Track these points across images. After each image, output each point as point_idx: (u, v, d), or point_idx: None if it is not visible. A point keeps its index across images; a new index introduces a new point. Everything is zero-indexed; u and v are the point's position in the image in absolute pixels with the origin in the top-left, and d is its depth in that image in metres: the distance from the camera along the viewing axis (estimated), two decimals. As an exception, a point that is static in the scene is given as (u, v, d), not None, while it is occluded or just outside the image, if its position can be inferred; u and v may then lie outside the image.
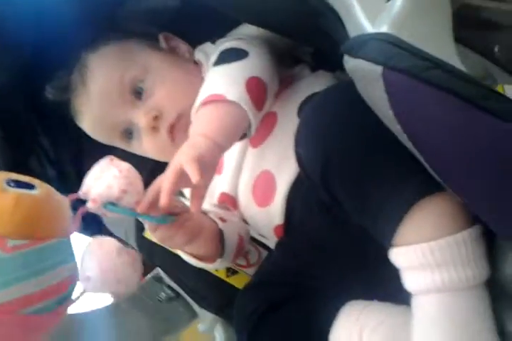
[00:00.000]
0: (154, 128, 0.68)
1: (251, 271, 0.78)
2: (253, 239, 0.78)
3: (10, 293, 0.40)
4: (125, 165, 0.52)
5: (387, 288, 0.52)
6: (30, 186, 0.45)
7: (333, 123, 0.48)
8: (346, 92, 0.47)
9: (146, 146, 0.71)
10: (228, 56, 0.66)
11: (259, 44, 0.69)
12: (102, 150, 0.84)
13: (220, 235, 0.66)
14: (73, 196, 0.51)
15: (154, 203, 0.52)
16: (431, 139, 0.37)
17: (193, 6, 0.75)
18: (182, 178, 0.52)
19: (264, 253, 0.78)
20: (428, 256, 0.44)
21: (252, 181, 0.66)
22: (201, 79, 0.72)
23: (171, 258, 0.76)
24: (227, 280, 0.77)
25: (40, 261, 0.42)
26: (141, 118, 0.68)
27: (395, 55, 0.37)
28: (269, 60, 0.66)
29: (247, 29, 0.73)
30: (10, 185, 0.43)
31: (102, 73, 0.69)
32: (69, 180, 0.85)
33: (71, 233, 0.47)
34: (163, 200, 0.50)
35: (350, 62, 0.41)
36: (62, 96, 0.73)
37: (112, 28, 0.74)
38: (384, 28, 0.40)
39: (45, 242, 0.42)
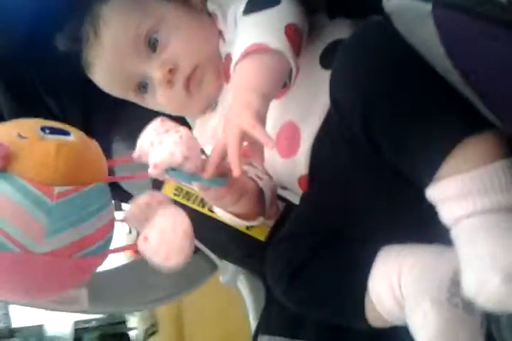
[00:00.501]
0: (169, 82, 0.67)
1: (270, 222, 0.79)
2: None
3: (64, 238, 0.41)
4: (183, 131, 0.51)
5: (421, 229, 0.54)
6: (65, 132, 0.45)
7: (373, 64, 0.48)
8: (383, 32, 0.47)
9: (161, 100, 0.70)
10: (259, 3, 0.63)
11: None
12: (111, 107, 0.85)
13: (261, 193, 0.67)
14: (125, 159, 0.51)
15: (214, 167, 0.52)
16: (484, 73, 0.37)
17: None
18: (245, 140, 0.53)
19: (282, 205, 0.80)
20: (468, 183, 0.45)
21: (275, 132, 0.65)
22: (216, 32, 0.71)
23: (191, 214, 0.77)
24: (248, 232, 0.79)
25: (86, 205, 0.43)
26: (155, 71, 0.67)
27: (443, -9, 0.36)
28: (300, 6, 0.64)
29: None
30: (45, 132, 0.44)
31: (116, 24, 0.68)
32: None
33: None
34: (236, 170, 0.51)
35: (393, 2, 0.40)
36: (73, 47, 0.71)
37: None
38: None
39: (87, 187, 0.43)
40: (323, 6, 0.74)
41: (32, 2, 0.69)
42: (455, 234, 0.47)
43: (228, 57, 0.70)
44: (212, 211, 0.78)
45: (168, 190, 0.82)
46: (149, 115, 0.75)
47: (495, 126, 0.44)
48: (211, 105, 0.73)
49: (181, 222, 0.47)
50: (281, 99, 0.65)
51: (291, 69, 0.60)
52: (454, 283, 0.47)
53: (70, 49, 0.71)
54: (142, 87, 0.71)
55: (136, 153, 0.52)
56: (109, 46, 0.68)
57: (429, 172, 0.47)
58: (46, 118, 0.84)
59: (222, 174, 0.55)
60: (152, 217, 0.49)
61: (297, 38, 0.61)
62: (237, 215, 0.66)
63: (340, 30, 0.66)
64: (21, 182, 0.40)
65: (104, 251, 0.46)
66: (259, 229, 0.79)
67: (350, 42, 0.52)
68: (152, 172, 0.50)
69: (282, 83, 0.61)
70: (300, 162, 0.65)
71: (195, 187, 0.61)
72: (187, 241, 0.47)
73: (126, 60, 0.68)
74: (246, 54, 0.59)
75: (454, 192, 0.46)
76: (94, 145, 0.48)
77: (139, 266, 0.85)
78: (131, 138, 0.59)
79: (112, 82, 0.72)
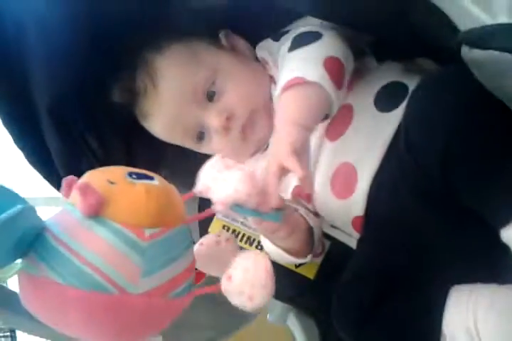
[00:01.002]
0: (227, 129, 0.69)
1: (318, 259, 0.80)
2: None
3: (157, 278, 0.43)
4: (246, 168, 0.53)
5: (488, 269, 0.54)
6: (150, 177, 0.48)
7: (456, 107, 0.50)
8: (463, 79, 0.49)
9: (218, 146, 0.72)
10: (302, 40, 0.66)
11: (330, 28, 0.69)
12: (155, 150, 0.86)
13: (311, 231, 0.68)
14: (189, 195, 0.52)
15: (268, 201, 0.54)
16: None
17: (244, 2, 0.75)
18: (284, 173, 0.54)
19: (327, 243, 0.80)
20: None
21: (330, 173, 0.67)
22: (268, 77, 0.73)
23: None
24: (297, 270, 0.79)
25: (174, 246, 0.46)
26: (213, 119, 0.69)
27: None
28: (343, 41, 0.67)
29: (308, 22, 0.72)
30: (133, 177, 0.46)
31: (173, 74, 0.70)
32: None
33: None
34: (275, 202, 0.53)
35: (476, 53, 0.42)
36: (130, 99, 0.73)
37: (169, 28, 0.74)
38: (504, 18, 0.41)
39: (174, 228, 0.45)
40: (367, 48, 0.77)
41: (85, 49, 0.70)
42: None
43: None
44: (260, 249, 0.79)
45: (216, 228, 0.82)
46: (193, 154, 0.78)
47: None
48: (262, 147, 0.75)
49: (263, 262, 0.48)
50: (337, 141, 0.66)
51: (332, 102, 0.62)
52: None
53: (126, 100, 0.73)
54: (200, 134, 0.72)
55: (198, 189, 0.54)
56: (168, 97, 0.70)
57: (508, 216, 0.48)
58: (89, 159, 0.87)
59: (279, 209, 0.56)
60: (220, 256, 0.51)
61: (338, 70, 0.63)
62: (287, 251, 0.67)
63: (391, 73, 0.68)
64: (115, 225, 0.42)
65: (190, 291, 0.47)
66: (307, 267, 0.79)
67: (427, 85, 0.54)
68: (217, 207, 0.52)
69: (324, 113, 0.63)
70: (356, 203, 0.65)
71: (249, 221, 0.63)
72: (270, 281, 0.48)
73: (184, 111, 0.70)
74: (286, 88, 0.61)
75: None
76: (174, 189, 0.50)
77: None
78: (176, 177, 0.63)
79: (170, 131, 0.74)
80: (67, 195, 0.46)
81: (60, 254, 0.42)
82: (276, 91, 0.63)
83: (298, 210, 0.69)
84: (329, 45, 0.64)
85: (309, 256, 0.69)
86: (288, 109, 0.60)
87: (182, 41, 0.72)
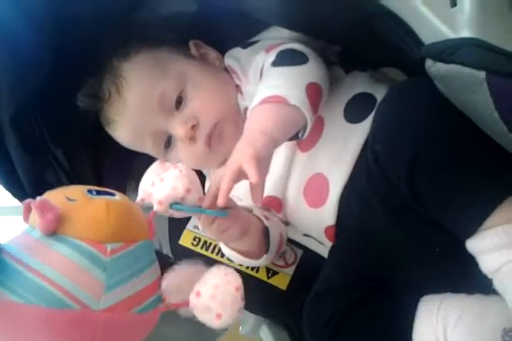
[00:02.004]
0: (192, 138, 0.68)
1: (290, 270, 0.79)
2: (289, 240, 0.79)
3: (120, 292, 0.42)
4: (182, 166, 0.53)
5: (457, 279, 0.55)
6: (110, 193, 0.48)
7: (421, 119, 0.51)
8: (427, 91, 0.50)
9: (183, 155, 0.71)
10: (289, 58, 0.65)
11: (311, 50, 0.68)
12: (121, 160, 0.85)
13: (266, 232, 0.67)
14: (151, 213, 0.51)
15: (215, 199, 0.53)
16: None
17: (212, 10, 0.75)
18: (240, 176, 0.54)
19: (300, 252, 0.80)
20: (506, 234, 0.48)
21: (303, 183, 0.67)
22: (234, 86, 0.73)
23: (209, 264, 0.77)
24: (269, 281, 0.78)
25: (137, 261, 0.45)
26: (178, 128, 0.68)
27: (495, 59, 0.39)
28: (324, 66, 0.67)
29: (279, 32, 0.73)
30: (92, 194, 0.46)
31: (140, 83, 0.68)
32: None
33: (151, 235, 0.49)
34: (221, 199, 0.52)
35: (440, 67, 0.42)
36: (94, 105, 0.71)
37: (138, 36, 0.72)
38: (466, 33, 0.42)
39: (136, 243, 0.45)
40: (334, 58, 0.77)
41: (50, 55, 0.68)
42: (497, 281, 0.49)
43: (246, 110, 0.72)
44: (231, 261, 0.78)
45: (186, 240, 0.81)
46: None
47: None
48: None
49: (234, 280, 0.47)
50: (310, 151, 0.66)
51: (305, 124, 0.62)
52: (506, 332, 0.47)
53: (90, 106, 0.72)
54: (166, 143, 0.71)
55: (139, 198, 0.53)
56: (133, 105, 0.68)
57: (471, 227, 0.49)
58: (55, 171, 0.85)
59: (225, 207, 0.56)
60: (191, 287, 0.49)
61: (317, 96, 0.63)
62: (242, 253, 0.67)
63: (358, 84, 0.69)
64: (76, 241, 0.42)
65: (156, 307, 0.46)
66: (279, 277, 0.78)
67: (393, 97, 0.55)
68: (158, 208, 0.51)
69: (293, 133, 0.62)
70: (328, 212, 0.66)
71: (199, 225, 0.62)
72: (239, 299, 0.47)
73: (149, 118, 0.69)
74: (265, 101, 0.60)
75: (492, 242, 0.49)
76: (136, 205, 0.50)
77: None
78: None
79: (133, 138, 0.73)
80: (25, 218, 0.45)
81: (20, 274, 0.41)
82: (253, 102, 0.62)
83: (252, 211, 0.69)
84: (314, 70, 0.64)
85: (264, 256, 0.67)
86: (261, 119, 0.60)
87: (150, 49, 0.71)
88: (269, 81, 0.63)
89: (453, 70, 0.41)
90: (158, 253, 0.84)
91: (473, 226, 0.50)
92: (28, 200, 0.44)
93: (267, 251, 0.68)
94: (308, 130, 0.62)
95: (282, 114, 0.60)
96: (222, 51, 0.77)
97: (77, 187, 0.47)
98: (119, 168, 0.85)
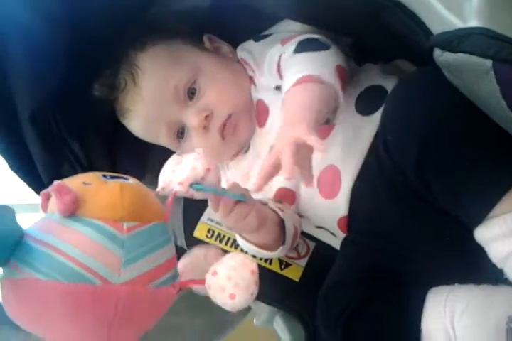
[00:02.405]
0: (205, 128, 0.70)
1: (303, 261, 0.80)
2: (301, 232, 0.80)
3: (138, 267, 0.44)
4: (200, 152, 0.54)
5: (467, 269, 0.55)
6: (124, 178, 0.50)
7: (430, 108, 0.51)
8: (436, 81, 0.50)
9: (196, 145, 0.72)
10: (311, 45, 0.67)
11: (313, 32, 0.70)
12: (136, 153, 0.86)
13: (282, 224, 0.68)
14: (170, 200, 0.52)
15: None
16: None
17: (225, 4, 0.76)
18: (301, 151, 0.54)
19: (312, 245, 0.81)
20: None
21: (317, 174, 0.67)
22: (247, 78, 0.74)
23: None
24: (282, 272, 0.79)
25: (152, 239, 0.47)
26: (192, 118, 0.70)
27: (501, 48, 0.39)
28: (344, 55, 0.68)
29: (290, 25, 0.73)
30: (107, 178, 0.48)
31: (155, 73, 0.70)
32: None
33: (167, 217, 0.50)
34: (289, 170, 0.52)
35: (448, 56, 0.42)
36: (110, 94, 0.73)
37: (154, 29, 0.74)
38: (473, 22, 0.42)
39: (151, 223, 0.47)
40: (345, 49, 0.77)
41: (67, 52, 0.69)
42: (509, 268, 0.50)
43: (260, 102, 0.73)
44: (246, 252, 0.79)
45: (201, 232, 0.82)
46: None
47: None
48: (243, 149, 0.75)
49: (251, 264, 0.48)
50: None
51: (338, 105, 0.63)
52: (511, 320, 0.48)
53: (106, 96, 0.74)
54: (180, 133, 0.73)
55: (159, 187, 0.54)
56: (148, 95, 0.70)
57: (480, 214, 0.50)
58: (72, 165, 0.86)
59: (243, 193, 0.58)
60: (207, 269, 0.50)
61: (344, 78, 0.64)
62: (259, 245, 0.68)
63: (370, 76, 0.69)
64: (93, 221, 0.44)
65: (173, 282, 0.48)
66: (292, 269, 0.79)
67: (402, 87, 0.56)
68: (179, 189, 0.52)
69: (329, 113, 0.63)
70: (341, 203, 0.66)
71: (217, 214, 0.62)
72: (254, 283, 0.48)
73: (164, 108, 0.70)
74: (300, 82, 0.61)
75: (500, 230, 0.49)
76: (149, 189, 0.52)
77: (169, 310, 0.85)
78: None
79: (148, 128, 0.74)
80: (44, 207, 0.46)
81: (41, 253, 0.43)
82: (283, 87, 0.63)
83: (267, 204, 0.69)
84: (337, 55, 0.66)
85: (280, 248, 0.68)
86: (302, 98, 0.60)
87: (166, 41, 0.73)
88: (296, 66, 0.64)
89: (461, 59, 0.41)
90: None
91: (481, 214, 0.50)
92: (46, 191, 0.46)
93: (283, 242, 0.68)
94: (339, 110, 0.63)
95: (319, 93, 0.60)
96: (235, 45, 0.78)
97: (93, 173, 0.50)
98: (134, 161, 0.86)
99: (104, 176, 0.48)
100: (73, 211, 0.44)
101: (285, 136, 0.55)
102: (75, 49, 0.69)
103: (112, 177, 0.48)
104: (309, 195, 0.69)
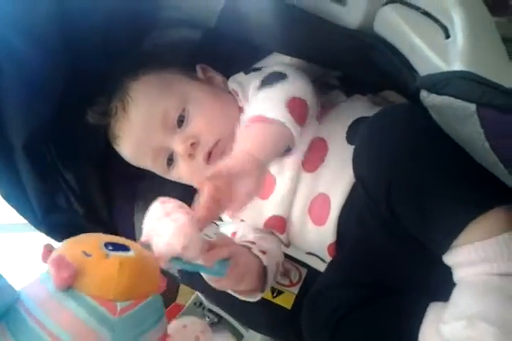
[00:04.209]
0: (191, 155, 0.71)
1: (295, 289, 0.80)
2: (293, 259, 0.81)
3: None
4: (181, 218, 0.51)
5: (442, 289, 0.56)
6: (126, 248, 0.47)
7: (397, 143, 0.54)
8: (409, 117, 0.53)
9: (183, 172, 0.74)
10: (269, 79, 0.69)
11: (295, 68, 0.72)
12: (129, 182, 0.87)
13: (265, 271, 0.69)
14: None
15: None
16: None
17: (216, 37, 0.77)
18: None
19: (304, 271, 0.81)
20: (476, 252, 0.51)
21: (308, 202, 0.69)
22: (237, 108, 0.75)
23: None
24: (274, 300, 0.79)
25: (146, 318, 0.45)
26: (178, 145, 0.71)
27: (484, 92, 0.41)
28: (306, 80, 0.70)
29: (279, 58, 0.75)
30: (108, 249, 0.46)
31: (145, 101, 0.72)
32: (98, 214, 0.86)
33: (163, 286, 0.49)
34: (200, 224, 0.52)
35: (434, 98, 0.44)
36: (102, 120, 0.74)
37: (148, 58, 0.76)
38: (458, 65, 0.44)
39: (146, 300, 0.45)
40: (335, 82, 0.79)
41: (62, 84, 0.70)
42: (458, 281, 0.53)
43: None
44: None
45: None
46: (168, 184, 0.79)
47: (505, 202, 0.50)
48: None
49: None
50: (314, 172, 0.68)
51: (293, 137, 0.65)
52: None
53: (98, 122, 0.75)
54: (168, 160, 0.74)
55: (142, 238, 0.52)
56: (137, 122, 0.72)
57: (443, 245, 0.53)
58: (66, 195, 0.86)
59: (224, 259, 0.58)
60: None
61: (300, 109, 0.66)
62: (238, 292, 0.69)
63: (359, 108, 0.71)
64: (87, 299, 0.43)
65: None
66: (285, 297, 0.79)
67: (373, 122, 0.58)
68: (160, 263, 0.50)
69: (283, 148, 0.65)
70: (329, 230, 0.68)
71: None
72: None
73: (152, 136, 0.72)
74: (248, 124, 0.64)
75: (462, 259, 0.52)
76: (149, 256, 0.49)
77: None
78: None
79: (136, 154, 0.76)
80: (45, 259, 0.45)
81: (30, 329, 0.42)
82: (241, 124, 0.66)
83: (251, 249, 0.69)
84: (292, 86, 0.68)
85: (259, 295, 0.70)
86: (246, 141, 0.63)
87: (158, 71, 0.75)
88: (252, 104, 0.68)
89: (446, 102, 0.43)
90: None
91: (444, 245, 0.53)
92: (48, 244, 0.46)
93: (262, 290, 0.70)
94: (296, 141, 0.65)
95: (266, 131, 0.63)
96: (229, 75, 0.79)
97: (95, 240, 0.47)
98: (127, 189, 0.87)
99: (106, 246, 0.46)
100: (70, 285, 0.43)
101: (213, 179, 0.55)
102: (70, 77, 0.70)
103: (115, 248, 0.46)
104: (301, 222, 0.70)
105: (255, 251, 0.69)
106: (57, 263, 0.42)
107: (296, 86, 0.68)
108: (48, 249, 0.46)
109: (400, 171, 0.53)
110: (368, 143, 0.58)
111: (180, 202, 0.53)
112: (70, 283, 0.42)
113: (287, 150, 0.66)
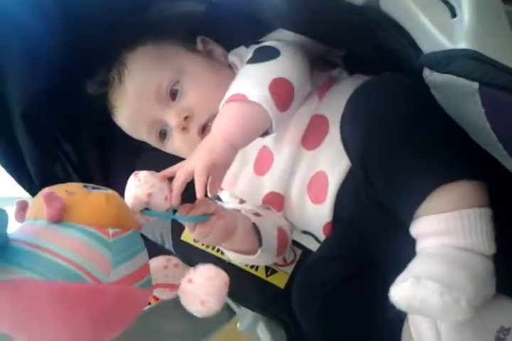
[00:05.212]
0: (185, 129, 0.71)
1: (289, 269, 0.81)
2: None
3: (125, 268, 0.48)
4: (142, 173, 0.57)
5: None
6: (103, 189, 0.53)
7: (379, 109, 0.54)
8: (395, 84, 0.54)
9: (177, 145, 0.74)
10: (261, 54, 0.69)
11: (293, 46, 0.71)
12: (128, 153, 0.87)
13: (255, 228, 0.69)
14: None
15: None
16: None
17: (221, 11, 0.76)
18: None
19: (299, 252, 0.81)
20: (438, 223, 0.51)
21: (307, 180, 0.69)
22: None
23: (209, 261, 0.78)
24: (267, 279, 0.80)
25: (132, 244, 0.50)
26: (172, 118, 0.71)
27: (488, 71, 0.40)
28: (300, 62, 0.69)
29: (283, 34, 0.74)
30: (89, 188, 0.51)
31: (140, 72, 0.72)
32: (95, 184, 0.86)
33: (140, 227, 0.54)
34: (174, 200, 0.57)
35: (436, 76, 0.43)
36: (99, 90, 0.74)
37: (149, 30, 0.75)
38: (463, 44, 0.43)
39: (130, 230, 0.50)
40: (338, 61, 0.78)
41: (62, 51, 0.70)
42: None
43: None
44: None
45: (188, 236, 0.83)
46: (167, 159, 0.79)
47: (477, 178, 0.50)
48: None
49: (222, 275, 0.53)
50: (315, 150, 0.68)
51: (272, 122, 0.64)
52: (502, 330, 0.49)
53: (96, 92, 0.75)
54: (162, 133, 0.74)
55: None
56: (132, 93, 0.72)
57: (407, 212, 0.53)
58: (63, 164, 0.86)
59: (206, 214, 0.61)
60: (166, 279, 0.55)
61: (284, 91, 0.65)
62: (237, 251, 0.70)
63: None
64: (81, 226, 0.47)
65: (151, 284, 0.52)
66: (278, 276, 0.80)
67: (361, 88, 0.59)
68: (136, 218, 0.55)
69: (259, 133, 0.65)
70: (327, 209, 0.68)
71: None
72: (224, 292, 0.52)
73: (146, 107, 0.72)
74: (228, 100, 0.64)
75: (422, 229, 0.53)
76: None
77: (153, 313, 0.85)
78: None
79: (133, 125, 0.76)
80: (18, 217, 0.48)
81: (35, 255, 0.44)
82: (223, 99, 0.65)
83: (240, 211, 0.71)
84: (283, 65, 0.67)
85: (259, 251, 0.69)
86: (222, 123, 0.63)
87: (156, 42, 0.74)
88: (237, 79, 0.67)
89: (448, 80, 0.42)
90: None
91: (409, 214, 0.53)
92: (22, 200, 0.49)
93: (260, 245, 0.69)
94: (274, 126, 0.64)
95: (243, 115, 0.63)
96: (230, 50, 0.79)
97: (73, 184, 0.52)
98: (125, 163, 0.87)
99: (85, 186, 0.51)
100: (61, 217, 0.46)
101: (189, 162, 0.59)
102: (70, 47, 0.70)
103: (94, 188, 0.51)
104: (299, 199, 0.70)
105: (244, 212, 0.71)
106: (48, 197, 0.45)
107: (285, 65, 0.67)
108: (21, 207, 0.48)
109: (374, 137, 0.54)
110: (351, 107, 0.58)
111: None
112: (62, 215, 0.46)
113: (265, 133, 0.66)
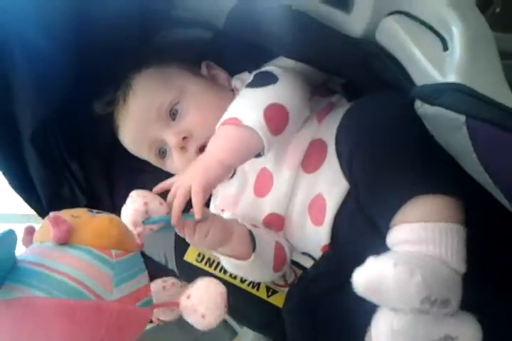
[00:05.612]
0: (183, 148, 0.74)
1: (289, 289, 0.82)
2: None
3: (126, 288, 0.49)
4: (133, 191, 0.63)
5: None
6: (105, 213, 0.54)
7: (371, 123, 0.57)
8: (388, 101, 0.57)
9: (177, 165, 0.76)
10: (260, 79, 0.72)
11: (292, 72, 0.74)
12: (132, 174, 0.89)
13: (250, 234, 0.71)
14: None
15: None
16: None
17: (227, 38, 0.79)
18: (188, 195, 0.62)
19: (299, 272, 0.82)
20: (414, 232, 0.52)
21: (307, 202, 0.70)
22: None
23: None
24: (269, 299, 0.81)
25: (133, 265, 0.52)
26: (171, 137, 0.74)
27: (475, 105, 0.42)
28: (298, 88, 0.72)
29: (284, 61, 0.76)
30: (93, 212, 0.53)
31: (143, 94, 0.75)
32: (101, 204, 0.88)
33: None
34: (174, 219, 0.62)
35: (426, 108, 0.45)
36: (106, 110, 0.78)
37: (156, 54, 0.79)
38: (452, 78, 0.45)
39: (131, 253, 0.53)
40: (338, 88, 0.80)
41: (72, 75, 0.73)
42: None
43: None
44: (233, 278, 0.81)
45: (191, 256, 0.84)
46: (167, 178, 0.80)
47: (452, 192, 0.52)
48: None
49: (220, 288, 0.55)
50: (313, 173, 0.70)
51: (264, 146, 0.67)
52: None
53: (102, 111, 0.78)
54: (162, 152, 0.77)
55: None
56: (134, 113, 0.75)
57: (384, 223, 0.55)
58: (71, 185, 0.88)
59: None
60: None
61: (278, 117, 0.67)
62: (232, 256, 0.71)
63: None
64: (85, 247, 0.49)
65: (151, 304, 0.53)
66: (279, 297, 0.81)
67: (356, 104, 0.62)
68: (139, 231, 0.59)
69: (252, 155, 0.68)
70: (325, 231, 0.69)
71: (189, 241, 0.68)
72: (223, 304, 0.54)
73: (148, 127, 0.75)
74: (224, 123, 0.67)
75: (397, 238, 0.54)
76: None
77: (155, 333, 0.86)
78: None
79: (135, 144, 0.79)
80: (26, 242, 0.51)
81: (40, 273, 0.46)
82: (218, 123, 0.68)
83: (236, 220, 0.74)
84: (279, 91, 0.70)
85: (253, 255, 0.71)
86: (217, 144, 0.66)
87: (161, 65, 0.78)
88: (234, 103, 0.70)
89: (437, 112, 0.44)
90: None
91: (385, 224, 0.55)
92: (29, 227, 0.51)
93: (253, 250, 0.71)
94: (266, 150, 0.67)
95: (237, 138, 0.66)
96: (233, 74, 0.81)
97: (78, 209, 0.55)
98: (129, 181, 0.89)
99: (90, 211, 0.53)
100: (67, 239, 0.48)
101: (184, 180, 0.63)
102: (79, 69, 0.73)
103: (98, 212, 0.54)
104: (300, 221, 0.72)
105: (240, 221, 0.73)
106: (54, 220, 0.48)
107: (282, 91, 0.70)
108: (28, 232, 0.50)
109: (362, 149, 0.57)
110: (347, 120, 0.61)
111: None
112: (68, 237, 0.48)
113: (258, 155, 0.69)
